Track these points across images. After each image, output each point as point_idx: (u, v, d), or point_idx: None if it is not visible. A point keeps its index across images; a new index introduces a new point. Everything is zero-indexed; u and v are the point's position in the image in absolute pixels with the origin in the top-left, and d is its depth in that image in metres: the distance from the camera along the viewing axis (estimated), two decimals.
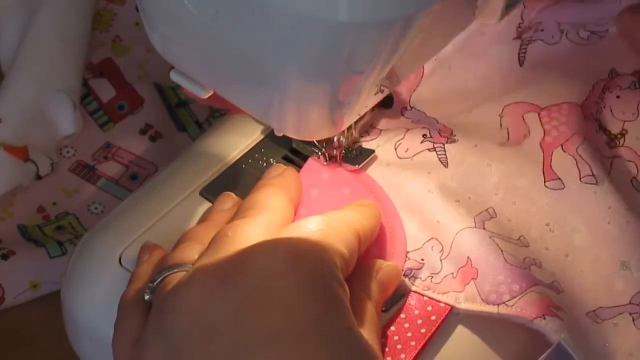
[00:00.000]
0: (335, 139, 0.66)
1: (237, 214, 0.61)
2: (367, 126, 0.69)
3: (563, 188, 0.64)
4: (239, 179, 0.68)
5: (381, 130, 0.69)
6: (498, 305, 0.60)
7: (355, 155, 0.67)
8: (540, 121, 0.67)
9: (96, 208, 0.79)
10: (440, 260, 0.63)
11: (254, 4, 0.50)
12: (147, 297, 0.58)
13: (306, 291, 0.54)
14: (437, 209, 0.64)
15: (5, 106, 0.75)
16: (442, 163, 0.66)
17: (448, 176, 0.65)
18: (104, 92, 0.82)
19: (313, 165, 0.67)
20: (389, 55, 0.53)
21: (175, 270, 0.58)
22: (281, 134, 0.64)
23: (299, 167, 0.68)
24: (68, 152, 0.81)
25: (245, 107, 0.61)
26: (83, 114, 0.80)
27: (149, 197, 0.68)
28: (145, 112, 0.82)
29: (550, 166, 0.65)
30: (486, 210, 0.64)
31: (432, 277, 0.62)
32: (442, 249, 0.63)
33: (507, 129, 0.67)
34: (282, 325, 0.53)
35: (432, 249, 0.63)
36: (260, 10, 0.50)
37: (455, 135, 0.67)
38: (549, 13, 0.70)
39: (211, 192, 0.67)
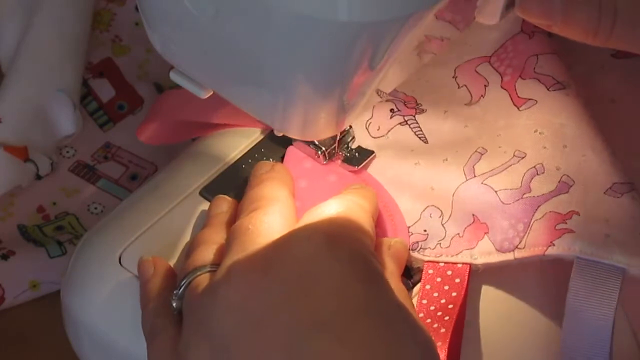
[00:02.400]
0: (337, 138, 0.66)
1: (243, 209, 0.61)
2: None
3: (536, 103, 0.65)
4: (239, 179, 0.68)
5: None
6: (513, 251, 0.60)
7: (354, 156, 0.67)
8: (493, 67, 0.68)
9: (96, 208, 0.79)
10: (442, 225, 0.63)
11: (253, 4, 0.51)
12: (175, 304, 0.58)
13: (350, 272, 0.54)
14: (428, 176, 0.64)
15: (5, 106, 0.75)
16: (421, 139, 0.66)
17: (429, 149, 0.66)
18: (104, 92, 0.82)
19: (294, 155, 0.67)
20: (389, 55, 0.53)
21: (199, 272, 0.57)
22: (281, 134, 0.64)
23: None
24: (68, 152, 0.81)
25: (245, 107, 0.61)
26: (83, 114, 0.80)
27: (149, 197, 0.68)
28: (145, 112, 0.82)
29: (518, 96, 0.66)
30: (475, 151, 0.64)
31: (440, 243, 0.62)
32: (442, 213, 0.63)
33: (466, 86, 0.68)
34: (333, 309, 0.52)
35: (430, 217, 0.63)
36: (260, 10, 0.50)
37: (421, 105, 0.67)
38: None
39: (211, 192, 0.67)
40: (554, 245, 0.59)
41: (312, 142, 0.67)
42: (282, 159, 0.69)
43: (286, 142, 0.69)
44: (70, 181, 0.80)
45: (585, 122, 0.64)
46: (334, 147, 0.67)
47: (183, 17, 0.54)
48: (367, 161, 0.67)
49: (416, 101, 0.67)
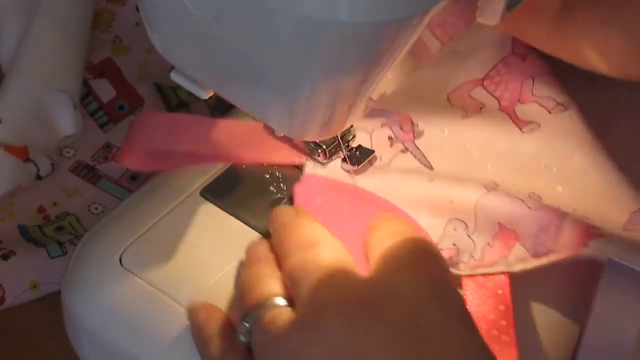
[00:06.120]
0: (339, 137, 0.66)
1: (293, 250, 0.58)
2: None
3: (540, 126, 0.65)
4: (239, 180, 0.68)
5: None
6: (547, 254, 0.60)
7: (354, 155, 0.67)
8: (487, 90, 0.67)
9: (96, 208, 0.79)
10: (469, 236, 0.62)
11: (254, 5, 0.51)
12: (244, 338, 0.57)
13: (453, 315, 0.54)
14: (446, 191, 0.64)
15: (5, 106, 0.75)
16: (425, 166, 0.65)
17: (437, 173, 0.65)
18: (104, 92, 0.82)
19: (303, 194, 0.65)
20: (390, 56, 0.53)
21: (270, 306, 0.56)
22: (282, 134, 0.64)
23: (296, 167, 0.69)
24: (68, 152, 0.81)
25: (245, 108, 0.61)
26: (83, 114, 0.80)
27: (149, 197, 0.68)
28: (146, 112, 0.82)
29: (518, 117, 0.66)
30: (484, 184, 0.64)
31: (473, 255, 0.62)
32: (466, 225, 0.63)
33: (461, 106, 0.67)
34: (438, 351, 0.52)
35: (455, 230, 0.63)
36: (261, 10, 0.50)
37: (417, 126, 0.67)
38: None
39: (211, 192, 0.67)
40: (587, 246, 0.59)
41: (313, 142, 0.67)
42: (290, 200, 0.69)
43: (286, 142, 0.69)
44: (71, 181, 0.80)
45: (594, 146, 0.64)
46: (334, 146, 0.67)
47: (184, 17, 0.54)
48: (367, 160, 0.67)
49: (412, 121, 0.67)
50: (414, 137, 0.66)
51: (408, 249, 0.57)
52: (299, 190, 0.65)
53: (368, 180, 0.65)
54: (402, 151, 0.66)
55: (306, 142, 0.68)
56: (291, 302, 0.57)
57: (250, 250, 0.62)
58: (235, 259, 0.64)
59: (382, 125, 0.67)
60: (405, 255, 0.56)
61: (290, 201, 0.66)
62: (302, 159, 0.67)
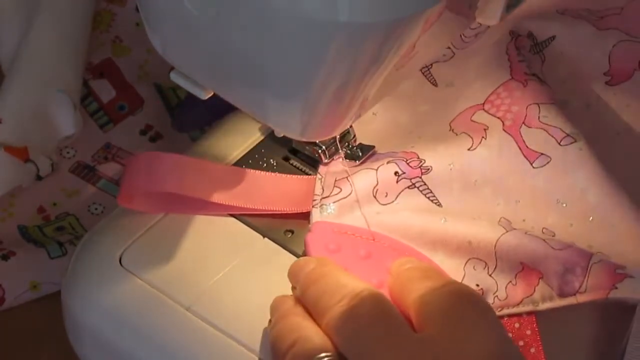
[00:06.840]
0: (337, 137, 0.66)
1: (329, 303, 0.57)
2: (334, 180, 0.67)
3: (550, 160, 0.64)
4: None
5: (348, 178, 0.66)
6: (575, 295, 0.60)
7: (355, 153, 0.67)
8: (489, 113, 0.66)
9: (96, 209, 0.79)
10: (490, 275, 0.61)
11: (254, 5, 0.51)
12: None
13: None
14: (462, 231, 0.62)
15: (6, 107, 0.75)
16: (433, 202, 0.64)
17: (448, 211, 0.64)
18: (104, 92, 0.82)
19: (316, 244, 0.63)
20: (390, 56, 0.53)
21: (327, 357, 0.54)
22: (282, 135, 0.64)
23: (297, 168, 0.69)
24: (68, 152, 0.81)
25: (245, 108, 0.61)
26: (83, 114, 0.80)
27: None
28: (146, 112, 0.82)
29: (527, 146, 0.65)
30: (498, 222, 0.63)
31: (497, 295, 0.61)
32: (486, 265, 0.62)
33: (464, 132, 0.66)
34: None
35: (474, 269, 0.62)
36: (261, 11, 0.51)
37: (424, 161, 0.65)
38: None
39: None
40: (616, 288, 0.59)
41: (313, 143, 0.67)
42: (282, 159, 0.69)
43: (286, 142, 0.69)
44: (71, 182, 0.80)
45: (607, 181, 0.63)
46: (335, 146, 0.67)
47: (183, 18, 0.54)
48: (367, 156, 0.67)
49: (418, 156, 0.65)
50: (422, 173, 0.65)
51: (457, 303, 0.55)
52: (312, 240, 0.63)
53: (379, 221, 0.64)
54: (408, 187, 0.64)
55: (306, 142, 0.68)
56: (337, 354, 0.55)
57: (275, 305, 0.60)
58: (235, 259, 0.64)
59: (388, 162, 0.65)
60: (455, 309, 0.55)
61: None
62: (309, 207, 0.65)
